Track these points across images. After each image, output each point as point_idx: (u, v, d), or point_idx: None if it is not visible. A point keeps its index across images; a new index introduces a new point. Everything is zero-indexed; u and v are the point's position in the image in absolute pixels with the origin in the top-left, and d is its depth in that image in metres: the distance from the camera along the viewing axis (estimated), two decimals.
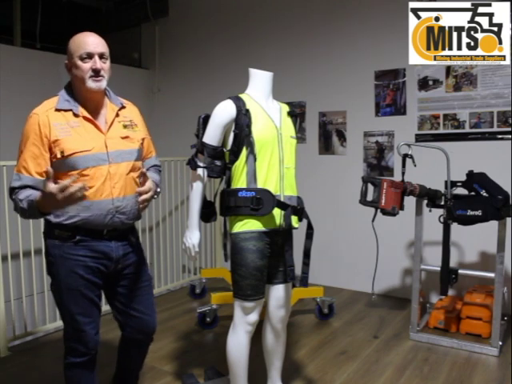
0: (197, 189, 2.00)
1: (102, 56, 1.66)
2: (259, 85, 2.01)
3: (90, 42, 1.64)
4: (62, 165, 1.63)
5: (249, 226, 1.89)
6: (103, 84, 1.67)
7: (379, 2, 3.76)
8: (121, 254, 1.78)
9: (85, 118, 1.69)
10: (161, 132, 4.52)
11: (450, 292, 3.14)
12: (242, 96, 1.98)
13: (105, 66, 1.67)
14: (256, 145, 1.89)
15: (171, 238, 4.11)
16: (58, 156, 1.62)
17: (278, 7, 4.27)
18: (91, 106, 1.71)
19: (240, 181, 1.91)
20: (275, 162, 1.93)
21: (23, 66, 4.14)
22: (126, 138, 1.76)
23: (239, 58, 4.43)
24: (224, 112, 1.92)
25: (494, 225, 2.70)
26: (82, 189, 1.46)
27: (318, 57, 4.07)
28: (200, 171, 1.98)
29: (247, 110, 1.90)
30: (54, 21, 5.77)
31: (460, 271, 2.84)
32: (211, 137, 1.94)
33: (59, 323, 3.15)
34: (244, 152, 1.90)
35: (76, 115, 1.67)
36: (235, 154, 1.91)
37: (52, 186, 1.45)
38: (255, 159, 1.89)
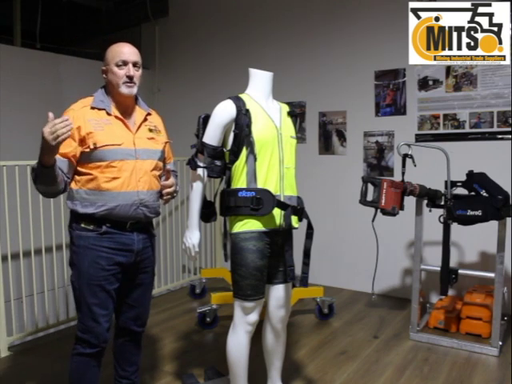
0: (197, 189, 2.00)
1: (135, 64, 1.83)
2: (259, 85, 2.01)
3: (126, 51, 1.82)
4: (92, 156, 1.77)
5: (249, 226, 1.89)
6: (134, 90, 1.84)
7: (379, 1, 3.76)
8: (141, 247, 1.91)
9: (116, 117, 1.84)
10: None
11: (450, 292, 3.14)
12: (242, 96, 1.98)
13: (137, 73, 1.84)
14: (256, 145, 1.89)
15: (171, 238, 4.11)
16: (91, 147, 1.76)
17: (278, 7, 4.27)
18: (122, 108, 1.86)
19: (240, 181, 1.91)
20: (275, 162, 1.92)
21: (23, 66, 4.14)
22: (152, 139, 1.92)
23: (239, 58, 4.43)
24: (224, 112, 1.92)
25: (494, 225, 2.70)
26: (66, 121, 1.53)
27: (318, 57, 4.07)
28: (200, 171, 1.98)
29: (247, 110, 1.90)
30: (54, 21, 5.78)
31: (460, 271, 2.84)
32: (211, 137, 1.94)
33: (59, 323, 3.15)
34: (244, 152, 1.90)
35: (108, 114, 1.83)
36: (235, 153, 1.91)
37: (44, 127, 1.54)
38: (255, 159, 1.89)
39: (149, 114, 1.97)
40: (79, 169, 1.80)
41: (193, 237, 2.02)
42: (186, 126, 3.47)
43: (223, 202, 1.95)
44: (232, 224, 1.94)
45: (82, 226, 1.81)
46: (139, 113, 1.93)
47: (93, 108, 1.81)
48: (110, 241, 1.82)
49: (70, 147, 1.73)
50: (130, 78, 1.80)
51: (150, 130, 1.93)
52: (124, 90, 1.81)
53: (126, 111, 1.87)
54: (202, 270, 4.03)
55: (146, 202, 1.86)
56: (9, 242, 2.78)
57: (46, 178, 1.67)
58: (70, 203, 1.83)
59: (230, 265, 1.96)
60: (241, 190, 1.89)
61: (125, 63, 1.80)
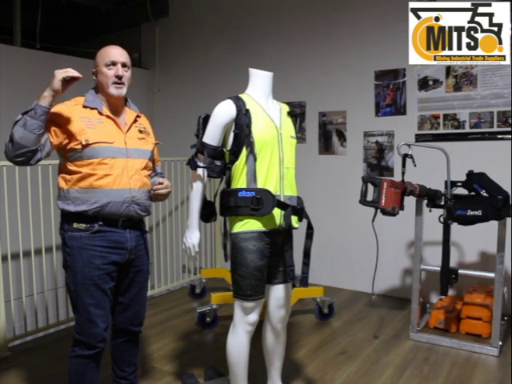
0: (197, 189, 2.00)
1: (124, 65, 1.86)
2: (259, 85, 2.01)
3: (114, 52, 1.86)
4: (83, 153, 1.78)
5: (249, 226, 1.89)
6: (123, 91, 1.87)
7: (379, 1, 3.76)
8: (134, 244, 1.92)
9: (108, 117, 1.87)
10: (161, 132, 4.51)
11: (450, 292, 3.14)
12: (242, 96, 1.98)
13: (126, 74, 1.87)
14: (256, 145, 1.89)
15: (171, 238, 4.11)
16: (83, 143, 1.77)
17: (278, 7, 4.27)
18: (112, 108, 1.89)
19: (240, 181, 1.91)
20: (275, 162, 1.92)
21: (23, 66, 4.14)
22: (142, 139, 1.96)
23: (239, 58, 4.43)
24: (224, 112, 1.92)
25: (494, 225, 2.70)
26: (77, 76, 1.68)
27: (318, 57, 4.07)
28: (200, 171, 1.98)
29: (247, 110, 1.90)
30: (54, 21, 5.78)
31: (460, 271, 2.84)
32: (211, 137, 1.94)
33: (59, 323, 3.15)
34: (244, 152, 1.90)
35: (100, 113, 1.85)
36: (235, 153, 1.91)
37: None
38: (255, 159, 1.89)
39: (138, 116, 2.00)
40: (70, 167, 1.81)
41: (193, 237, 2.02)
42: (186, 126, 3.49)
43: (223, 202, 1.95)
44: (232, 224, 1.94)
45: (74, 226, 1.81)
46: (130, 114, 1.96)
47: (85, 107, 1.84)
48: (103, 239, 1.83)
49: (51, 124, 1.74)
50: (119, 78, 1.83)
51: (140, 131, 1.96)
52: (113, 91, 1.84)
53: (116, 111, 1.91)
54: (202, 270, 4.03)
55: (137, 199, 1.88)
56: (9, 242, 2.78)
57: (31, 119, 1.65)
58: (62, 203, 1.84)
59: (229, 265, 1.96)
60: (241, 190, 1.89)
61: (114, 64, 1.83)
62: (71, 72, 1.68)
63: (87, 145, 1.77)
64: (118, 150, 1.83)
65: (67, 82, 1.69)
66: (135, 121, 1.96)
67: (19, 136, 1.66)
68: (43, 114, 1.67)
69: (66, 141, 1.78)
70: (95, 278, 1.81)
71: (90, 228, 1.81)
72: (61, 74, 1.67)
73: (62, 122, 1.77)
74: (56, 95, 1.69)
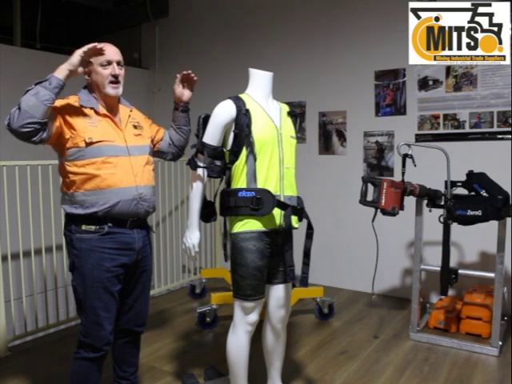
0: (197, 189, 2.00)
1: (118, 63, 1.85)
2: (259, 85, 2.01)
3: (109, 51, 1.83)
4: (86, 152, 1.77)
5: (249, 226, 1.89)
6: (120, 90, 1.87)
7: (379, 1, 3.76)
8: (141, 245, 1.93)
9: (105, 116, 1.86)
10: None
11: (450, 292, 3.14)
12: (242, 96, 1.98)
13: (121, 72, 1.87)
14: (256, 145, 1.89)
15: (171, 238, 4.11)
16: (87, 141, 1.76)
17: (278, 7, 4.27)
18: (107, 107, 1.89)
19: (240, 181, 1.91)
20: (275, 162, 1.92)
21: (23, 66, 4.14)
22: (139, 135, 1.96)
23: (239, 58, 4.43)
24: (224, 112, 1.92)
25: (494, 225, 2.70)
26: (99, 49, 1.70)
27: (318, 57, 4.07)
28: (200, 171, 1.99)
29: (247, 110, 1.90)
30: (54, 21, 5.78)
31: (460, 271, 2.84)
32: (211, 137, 1.94)
33: (59, 323, 3.15)
34: (244, 152, 1.90)
35: (97, 113, 1.84)
36: (235, 153, 1.91)
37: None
38: (255, 159, 1.89)
39: (130, 111, 1.99)
40: (72, 169, 1.78)
41: (193, 237, 2.02)
42: None
43: (223, 202, 1.95)
44: (232, 224, 1.94)
45: (83, 228, 1.80)
46: (123, 110, 1.96)
47: (82, 106, 1.82)
48: (113, 241, 1.82)
49: (57, 112, 1.74)
50: (116, 77, 1.83)
51: (135, 127, 1.96)
52: (110, 91, 1.83)
53: (112, 110, 1.90)
54: (202, 270, 4.03)
55: (144, 196, 1.89)
56: (9, 242, 2.78)
57: (44, 90, 1.64)
58: (69, 207, 1.81)
59: (229, 265, 1.96)
60: (241, 190, 1.89)
61: (109, 63, 1.82)
62: (90, 45, 1.67)
63: (90, 143, 1.76)
64: (120, 149, 1.83)
65: (85, 61, 1.68)
66: (129, 116, 1.96)
67: (29, 105, 1.61)
68: (57, 86, 1.65)
69: (68, 135, 1.76)
70: (104, 281, 1.80)
71: (99, 230, 1.80)
72: (81, 50, 1.67)
73: (67, 114, 1.76)
74: (72, 73, 1.68)
